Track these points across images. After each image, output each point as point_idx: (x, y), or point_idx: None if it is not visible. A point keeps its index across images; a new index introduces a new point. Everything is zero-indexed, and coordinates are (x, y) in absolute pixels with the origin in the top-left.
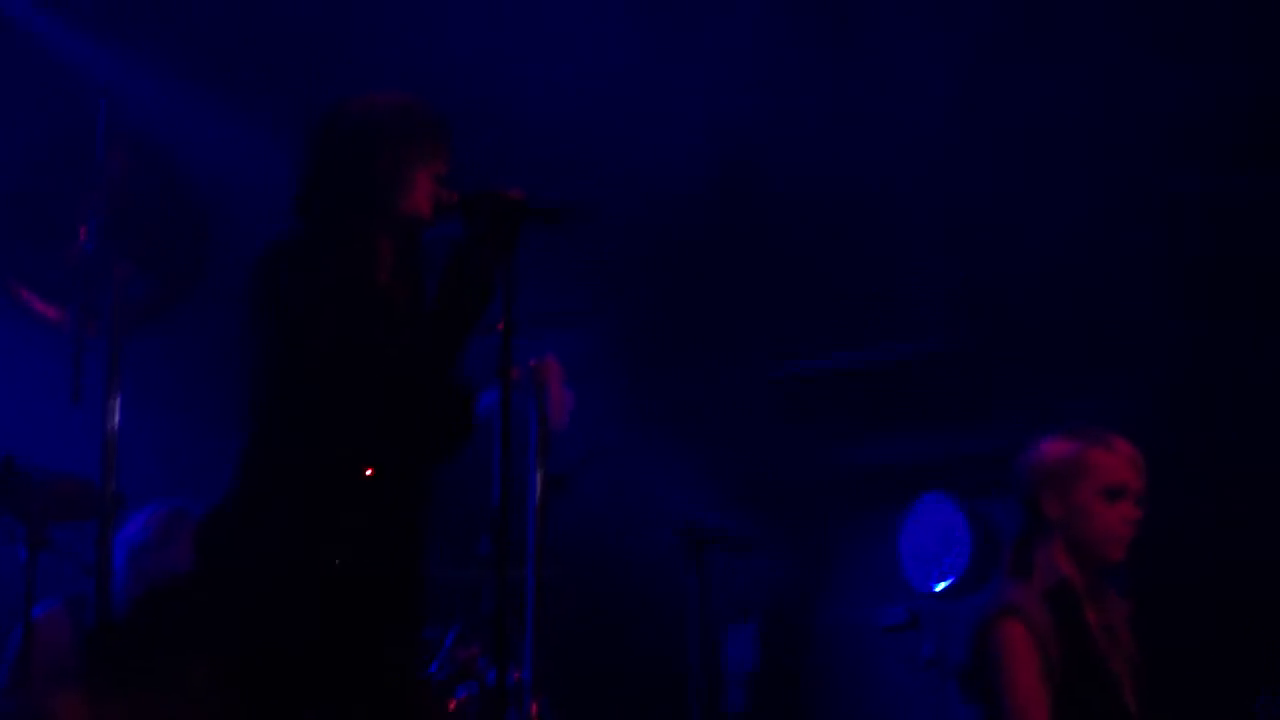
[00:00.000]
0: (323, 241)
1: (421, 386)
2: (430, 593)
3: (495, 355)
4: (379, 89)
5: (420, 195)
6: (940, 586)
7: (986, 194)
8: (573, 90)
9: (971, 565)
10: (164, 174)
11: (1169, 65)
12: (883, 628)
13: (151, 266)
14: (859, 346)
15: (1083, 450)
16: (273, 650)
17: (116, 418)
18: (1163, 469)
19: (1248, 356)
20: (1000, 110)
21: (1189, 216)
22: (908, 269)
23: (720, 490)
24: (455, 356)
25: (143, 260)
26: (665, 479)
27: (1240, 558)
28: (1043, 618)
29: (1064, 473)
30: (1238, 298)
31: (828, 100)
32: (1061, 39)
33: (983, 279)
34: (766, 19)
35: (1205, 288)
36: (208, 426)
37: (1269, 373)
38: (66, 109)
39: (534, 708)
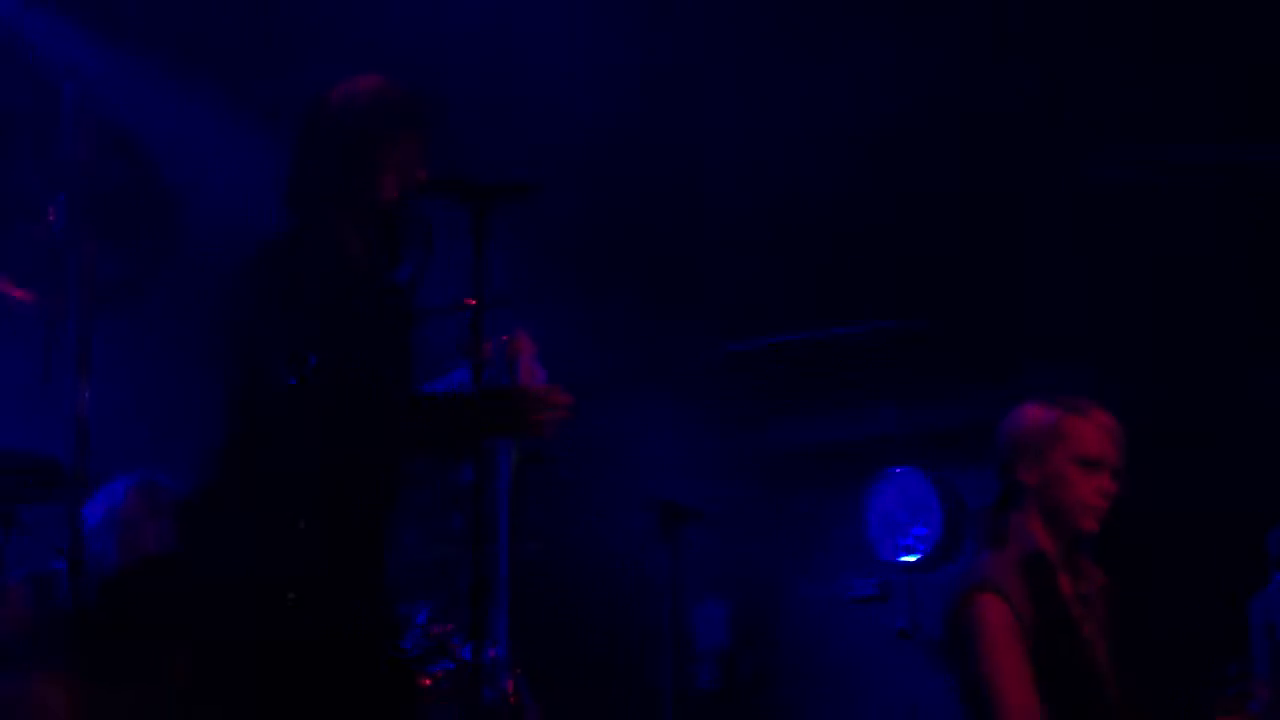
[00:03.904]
0: (301, 244)
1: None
2: (405, 570)
3: (465, 332)
4: (351, 72)
5: (389, 181)
6: (909, 559)
7: (932, 168)
8: (525, 72)
9: (941, 538)
10: (132, 155)
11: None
12: (852, 600)
13: (120, 246)
14: (825, 322)
15: (1061, 418)
16: (254, 642)
17: (87, 398)
18: (1133, 443)
19: (1216, 338)
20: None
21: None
22: (867, 246)
23: (691, 465)
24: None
25: (111, 240)
26: (637, 454)
27: (1210, 530)
28: (1018, 588)
29: (1041, 440)
30: (1199, 282)
31: (769, 79)
32: None
33: (961, 255)
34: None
35: (1172, 272)
36: (170, 406)
37: (1234, 354)
38: (32, 90)
39: (510, 684)
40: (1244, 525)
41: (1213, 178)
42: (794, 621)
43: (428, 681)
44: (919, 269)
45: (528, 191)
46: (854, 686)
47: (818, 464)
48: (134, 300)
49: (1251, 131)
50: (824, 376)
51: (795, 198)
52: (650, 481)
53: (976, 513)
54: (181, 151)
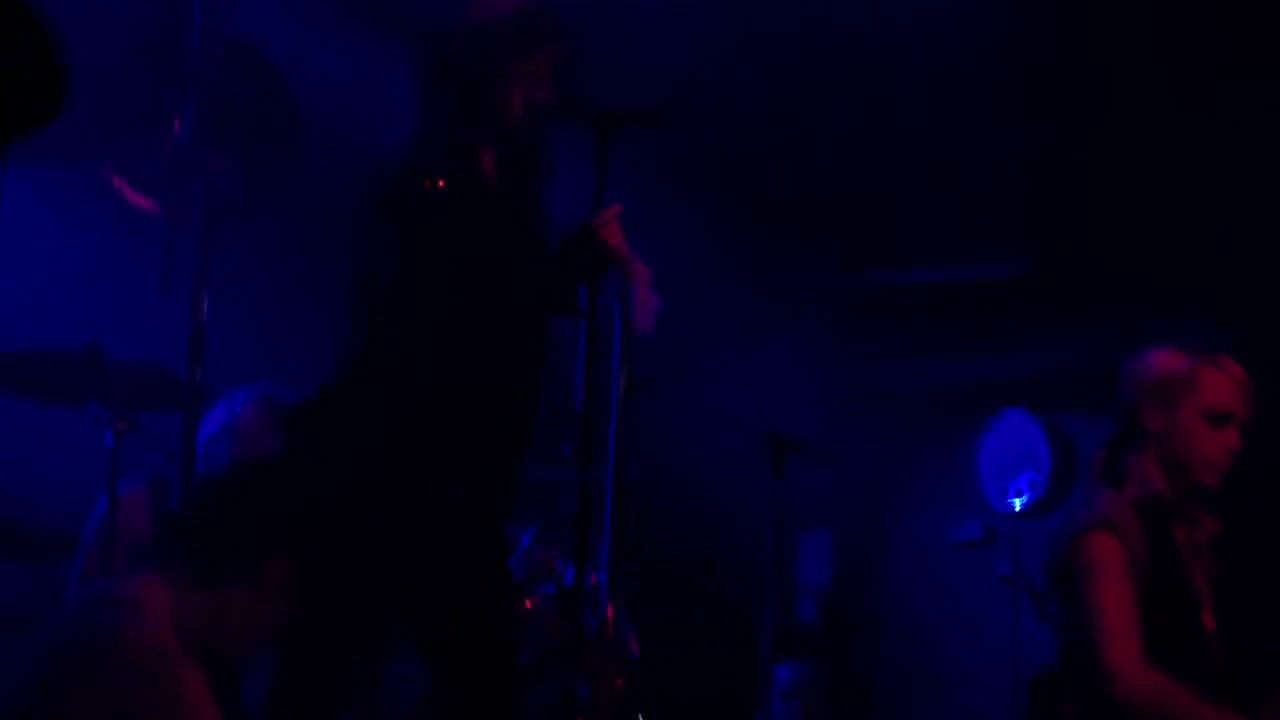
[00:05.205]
0: (432, 161)
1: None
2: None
3: None
4: None
5: (518, 101)
6: (1018, 504)
7: (1061, 112)
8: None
9: (1051, 483)
10: (258, 69)
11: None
12: (957, 544)
13: (244, 160)
14: (942, 262)
15: (1194, 367)
16: (359, 540)
17: (205, 309)
18: (1259, 394)
19: None
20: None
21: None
22: (986, 186)
23: (800, 399)
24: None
25: (235, 153)
26: (747, 385)
27: None
28: (1133, 528)
29: (1171, 387)
30: None
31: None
32: None
33: (1066, 197)
34: None
35: None
36: (290, 319)
37: None
38: (161, 6)
39: (610, 610)
40: None
41: None
42: (897, 561)
43: (529, 604)
44: (1040, 210)
45: (654, 117)
46: (953, 629)
47: (928, 405)
48: (256, 213)
49: None
50: (938, 318)
51: (912, 133)
52: (759, 413)
53: (1087, 458)
54: (304, 61)
